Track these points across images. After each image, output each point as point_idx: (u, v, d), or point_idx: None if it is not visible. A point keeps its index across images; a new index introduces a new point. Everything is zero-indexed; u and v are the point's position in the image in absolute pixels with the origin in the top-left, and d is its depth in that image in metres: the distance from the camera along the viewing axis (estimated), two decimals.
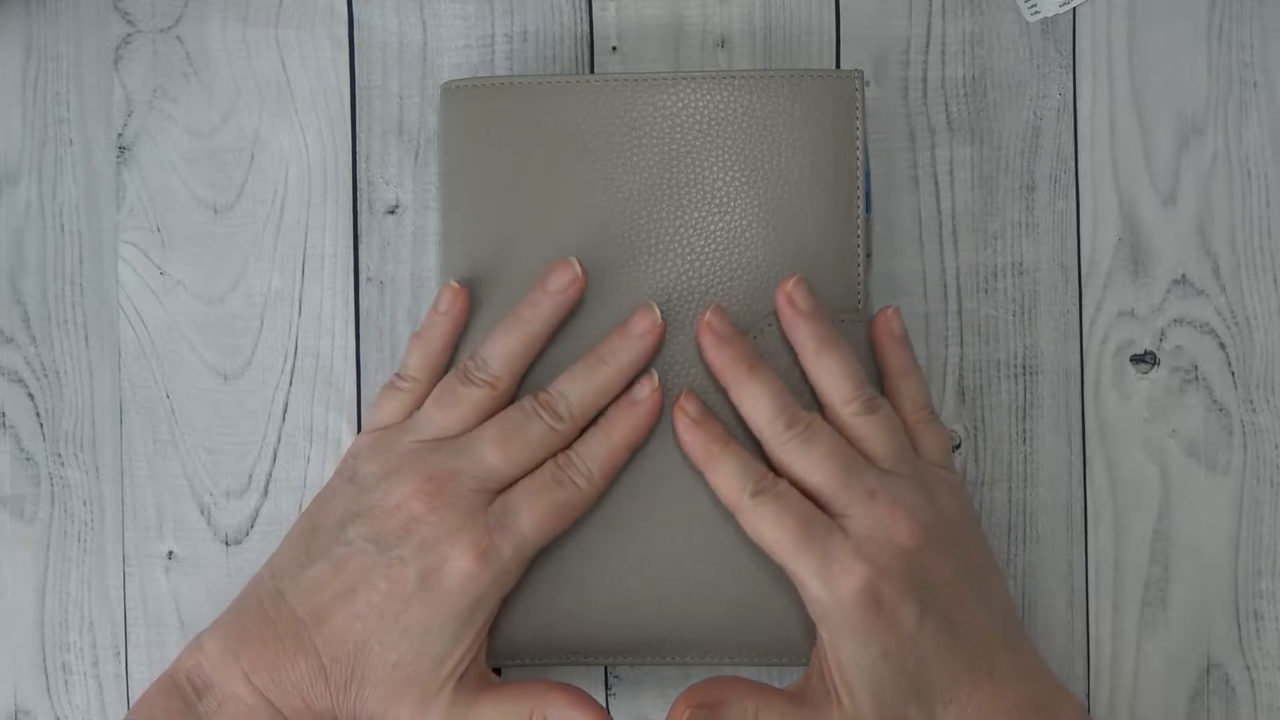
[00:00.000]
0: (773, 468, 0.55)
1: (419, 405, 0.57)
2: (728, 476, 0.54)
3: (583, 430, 0.56)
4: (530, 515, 0.54)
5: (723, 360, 0.55)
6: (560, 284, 0.56)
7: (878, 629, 0.52)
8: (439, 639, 0.53)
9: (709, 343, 0.56)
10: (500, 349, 0.56)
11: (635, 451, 0.56)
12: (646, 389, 0.56)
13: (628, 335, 0.56)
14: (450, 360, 0.58)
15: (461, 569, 0.53)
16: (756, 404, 0.55)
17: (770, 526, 0.53)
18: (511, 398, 0.57)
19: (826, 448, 0.54)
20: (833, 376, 0.55)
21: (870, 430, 0.55)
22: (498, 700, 0.54)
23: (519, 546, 0.54)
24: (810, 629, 0.55)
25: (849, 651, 0.52)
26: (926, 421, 0.57)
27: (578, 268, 0.56)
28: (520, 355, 0.56)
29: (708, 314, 0.56)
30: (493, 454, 0.55)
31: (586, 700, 0.53)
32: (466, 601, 0.53)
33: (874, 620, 0.52)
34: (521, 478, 0.55)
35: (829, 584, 0.52)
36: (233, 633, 0.55)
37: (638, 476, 0.57)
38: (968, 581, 0.54)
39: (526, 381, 0.57)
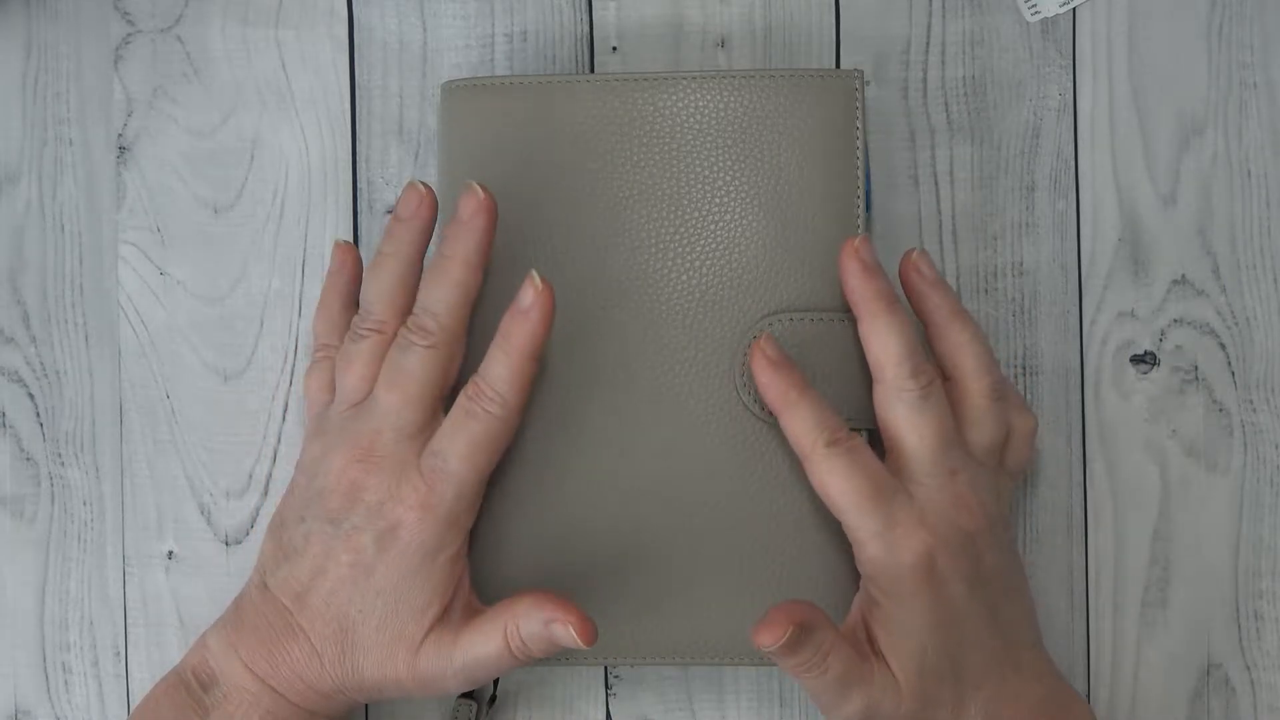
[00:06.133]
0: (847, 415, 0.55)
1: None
2: (803, 423, 0.54)
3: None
4: (455, 454, 0.54)
5: (866, 290, 0.54)
6: (409, 209, 0.56)
7: (929, 596, 0.52)
8: (411, 591, 0.54)
9: (854, 269, 0.55)
10: (374, 292, 0.56)
11: (544, 367, 0.56)
12: (530, 294, 0.54)
13: (458, 224, 0.55)
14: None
15: (410, 521, 0.53)
16: (889, 340, 0.54)
17: (839, 480, 0.53)
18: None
19: (936, 414, 0.54)
20: (966, 347, 0.55)
21: (986, 417, 0.55)
22: (477, 628, 0.54)
23: (458, 488, 0.54)
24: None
25: (899, 617, 0.52)
26: (1029, 449, 0.58)
27: (421, 187, 0.56)
28: (395, 292, 0.56)
29: (857, 241, 0.55)
30: (390, 400, 0.54)
31: (551, 598, 0.53)
32: (426, 549, 0.53)
33: (927, 588, 0.52)
34: (446, 409, 0.55)
35: (890, 546, 0.52)
36: (231, 628, 0.56)
37: (639, 476, 0.57)
38: (1008, 578, 0.55)
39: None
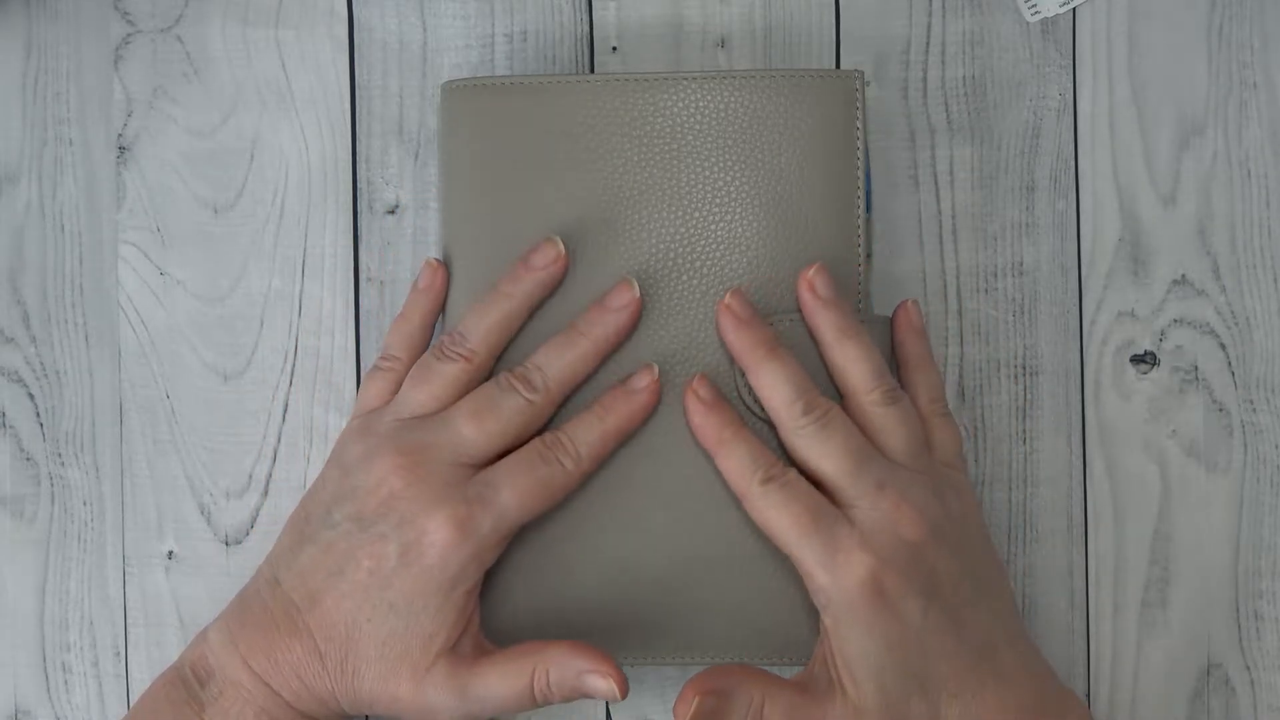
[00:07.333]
0: (784, 452, 0.55)
1: (401, 385, 0.57)
2: (739, 462, 0.54)
3: (562, 409, 0.56)
4: (512, 489, 0.54)
5: (742, 342, 0.55)
6: (543, 261, 0.56)
7: (882, 619, 0.52)
8: (424, 614, 0.53)
9: (728, 324, 0.56)
10: (477, 323, 0.56)
11: (627, 441, 0.56)
12: (646, 379, 0.56)
13: (605, 309, 0.56)
14: (431, 339, 0.58)
15: (440, 541, 0.53)
16: (775, 387, 0.55)
17: (778, 514, 0.53)
18: (489, 374, 0.57)
19: (841, 437, 0.54)
20: (855, 364, 0.55)
21: (888, 422, 0.55)
22: (497, 665, 0.54)
23: (498, 520, 0.54)
24: (814, 627, 0.55)
25: (853, 641, 0.52)
26: (941, 415, 0.58)
27: (561, 247, 0.57)
28: (498, 330, 0.56)
29: (728, 296, 0.56)
30: (468, 427, 0.55)
31: (588, 649, 0.53)
32: (447, 574, 0.53)
33: (878, 610, 0.52)
34: (501, 455, 0.55)
35: (834, 572, 0.52)
36: (234, 621, 0.56)
37: (640, 475, 0.57)
38: (971, 580, 0.54)
39: (512, 366, 0.57)
